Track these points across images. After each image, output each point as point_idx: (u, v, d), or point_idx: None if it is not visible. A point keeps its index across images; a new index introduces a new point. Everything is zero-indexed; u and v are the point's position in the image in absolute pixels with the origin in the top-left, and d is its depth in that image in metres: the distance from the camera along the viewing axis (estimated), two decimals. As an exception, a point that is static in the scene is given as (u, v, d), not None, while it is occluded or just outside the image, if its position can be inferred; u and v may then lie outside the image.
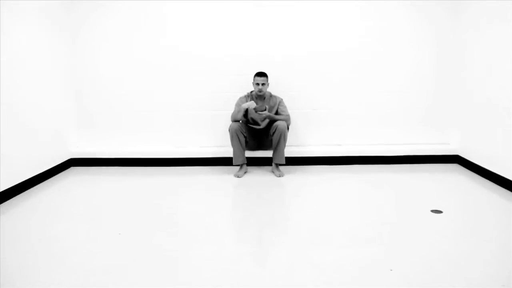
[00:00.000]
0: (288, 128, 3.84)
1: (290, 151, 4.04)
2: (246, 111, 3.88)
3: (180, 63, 4.28)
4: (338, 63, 4.26)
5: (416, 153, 4.23)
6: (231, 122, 3.86)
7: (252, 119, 3.98)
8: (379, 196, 3.29)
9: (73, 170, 4.25)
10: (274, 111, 3.93)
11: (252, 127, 4.01)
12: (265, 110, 3.73)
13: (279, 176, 3.81)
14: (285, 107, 3.96)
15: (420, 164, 4.21)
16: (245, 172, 3.92)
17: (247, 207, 3.09)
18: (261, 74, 3.83)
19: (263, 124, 4.00)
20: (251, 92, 4.01)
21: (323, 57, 4.24)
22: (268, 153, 4.06)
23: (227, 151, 4.05)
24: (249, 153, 4.05)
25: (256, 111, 3.74)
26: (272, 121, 3.85)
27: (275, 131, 3.74)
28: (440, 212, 2.89)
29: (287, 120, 3.88)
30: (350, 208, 3.03)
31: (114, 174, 4.04)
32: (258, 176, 3.86)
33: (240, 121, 3.90)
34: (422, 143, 4.36)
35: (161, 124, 4.38)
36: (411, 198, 3.22)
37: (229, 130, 3.80)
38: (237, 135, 3.75)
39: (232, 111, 3.92)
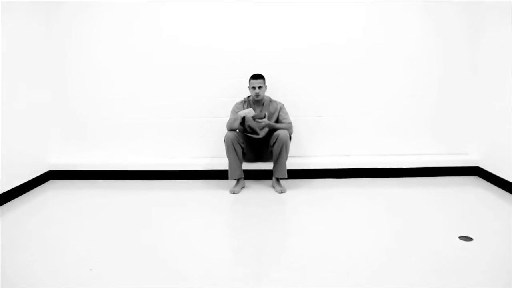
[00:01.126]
0: (290, 138, 3.41)
1: (292, 162, 3.61)
2: (243, 119, 3.46)
3: (171, 65, 3.86)
4: (344, 67, 3.84)
5: (432, 164, 3.81)
6: (226, 131, 3.44)
7: (250, 127, 3.56)
8: (394, 217, 2.86)
9: (51, 184, 3.82)
10: (274, 118, 3.52)
11: (250, 137, 3.58)
12: (264, 117, 3.31)
13: (281, 192, 3.38)
14: (286, 114, 3.54)
15: (436, 177, 3.79)
16: (242, 188, 3.49)
17: (243, 233, 2.66)
18: (256, 77, 3.41)
19: (262, 133, 3.57)
20: (248, 97, 3.59)
21: (328, 60, 3.82)
22: (268, 165, 3.63)
23: (222, 163, 3.63)
24: (246, 165, 3.63)
25: (254, 119, 3.32)
26: (272, 130, 3.43)
27: (275, 141, 3.32)
28: (470, 239, 2.46)
29: (289, 128, 3.46)
30: (361, 232, 2.60)
31: (96, 189, 3.61)
32: (257, 192, 3.43)
33: (237, 130, 3.48)
34: (438, 153, 3.94)
35: (149, 132, 3.96)
36: (431, 220, 2.78)
37: (224, 140, 3.37)
38: (233, 145, 3.33)
39: (227, 119, 3.49)
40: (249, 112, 3.29)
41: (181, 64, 3.85)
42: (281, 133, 3.31)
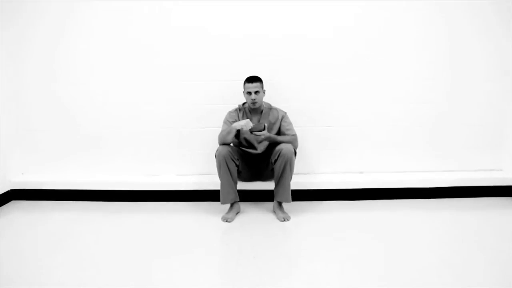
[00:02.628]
0: (295, 154, 2.82)
1: (296, 181, 3.00)
2: (238, 130, 2.87)
3: (152, 68, 3.28)
4: (357, 69, 3.26)
5: (459, 183, 3.21)
6: (218, 145, 2.85)
7: (246, 140, 2.97)
8: (423, 251, 2.27)
9: (13, 205, 3.22)
10: (275, 129, 2.93)
11: (247, 152, 2.99)
12: (263, 129, 2.73)
13: (283, 220, 2.78)
14: (290, 124, 2.95)
15: (464, 198, 3.20)
16: (237, 213, 2.90)
17: (235, 281, 2.06)
18: (252, 80, 2.84)
19: (261, 148, 2.99)
20: (243, 104, 3.01)
21: (338, 60, 3.24)
22: (268, 184, 3.04)
23: (213, 182, 3.02)
24: (242, 185, 3.04)
25: (252, 132, 2.73)
26: (274, 144, 2.84)
27: (277, 157, 2.73)
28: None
29: (294, 142, 2.87)
30: (383, 274, 2.01)
31: (64, 213, 3.00)
32: (255, 220, 2.83)
33: (231, 144, 2.89)
34: (466, 169, 3.36)
35: (127, 146, 3.36)
36: (468, 258, 2.20)
37: (216, 156, 2.78)
38: (226, 163, 2.73)
39: (220, 131, 2.90)
40: (245, 124, 2.70)
41: (164, 65, 3.27)
42: (284, 148, 2.72)
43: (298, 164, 3.09)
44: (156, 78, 3.28)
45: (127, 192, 3.22)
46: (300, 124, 3.20)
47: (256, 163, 3.00)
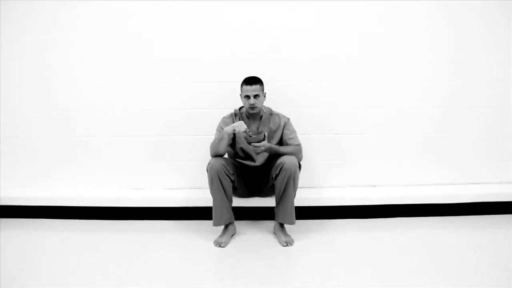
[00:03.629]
0: (299, 167, 2.43)
1: (301, 197, 2.59)
2: (234, 139, 2.49)
3: (135, 64, 2.89)
4: (369, 69, 2.87)
5: (484, 199, 2.81)
6: (210, 157, 2.45)
7: (242, 150, 2.58)
8: (454, 279, 1.88)
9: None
10: (276, 138, 2.54)
11: (243, 164, 2.60)
12: (263, 139, 2.33)
13: (286, 245, 2.37)
14: (293, 132, 2.56)
15: (490, 215, 2.81)
16: (232, 235, 2.50)
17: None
18: (251, 81, 2.45)
19: (260, 159, 2.59)
20: (240, 109, 2.62)
21: (349, 60, 2.86)
22: (269, 201, 2.65)
23: (205, 197, 2.58)
24: (239, 201, 2.64)
25: (248, 141, 2.34)
26: (275, 156, 2.45)
27: (279, 172, 2.33)
28: None
29: (298, 153, 2.48)
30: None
31: (32, 232, 2.60)
32: (253, 243, 2.43)
33: (225, 155, 2.50)
34: (491, 182, 2.97)
35: (108, 155, 2.96)
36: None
37: (207, 170, 2.38)
38: (219, 179, 2.34)
39: (212, 140, 2.50)
40: (238, 125, 2.31)
41: (147, 64, 2.88)
42: (286, 161, 2.32)
43: (303, 177, 2.68)
44: (139, 79, 2.89)
45: (107, 210, 2.81)
46: (304, 131, 2.80)
47: (254, 177, 2.60)
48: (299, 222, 2.54)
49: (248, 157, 2.59)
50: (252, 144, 2.32)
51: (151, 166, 2.96)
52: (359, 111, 2.90)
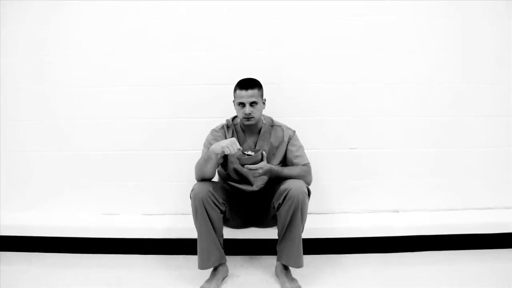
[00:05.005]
0: (309, 194, 1.91)
1: (310, 227, 2.01)
2: (226, 157, 1.98)
3: (109, 65, 2.38)
4: (391, 69, 2.36)
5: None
6: (195, 180, 1.93)
7: (236, 171, 2.06)
8: None
9: None
10: (279, 157, 2.03)
11: (238, 189, 2.08)
12: (261, 159, 1.83)
13: (291, 293, 1.87)
14: (300, 148, 2.04)
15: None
16: (223, 279, 1.98)
17: None
18: (247, 85, 1.94)
19: (258, 183, 2.07)
20: (233, 119, 2.11)
21: (366, 58, 2.35)
22: (269, 232, 2.12)
23: (190, 226, 2.02)
24: (231, 232, 2.13)
25: (242, 163, 1.83)
26: (277, 179, 1.94)
27: (283, 201, 1.82)
28: None
29: (306, 176, 1.96)
30: None
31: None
32: (249, 289, 1.93)
33: (216, 177, 1.99)
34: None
35: (75, 172, 2.45)
36: None
37: (190, 197, 1.87)
38: (205, 210, 1.82)
39: (198, 157, 1.98)
40: (229, 145, 1.78)
41: (120, 72, 2.38)
42: (292, 186, 1.80)
43: (311, 201, 2.13)
44: (108, 82, 2.37)
45: (73, 240, 2.29)
46: (313, 144, 2.31)
47: (251, 205, 2.08)
48: (307, 257, 1.99)
49: (244, 179, 2.07)
50: (246, 166, 1.81)
51: (127, 186, 2.44)
52: (378, 123, 2.38)
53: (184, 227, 2.22)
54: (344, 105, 2.37)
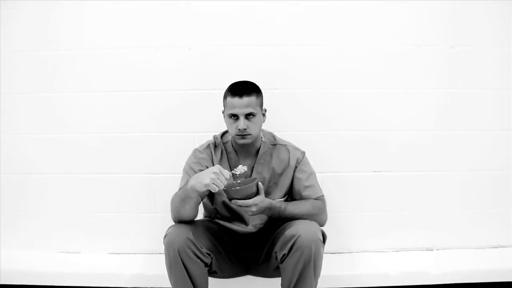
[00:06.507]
0: (324, 240, 1.40)
1: (322, 273, 1.50)
2: (212, 196, 1.49)
3: (73, 69, 1.88)
4: (432, 68, 1.86)
5: None
6: (172, 221, 1.43)
7: (227, 207, 1.54)
8: None
9: None
10: (283, 187, 1.54)
11: (229, 230, 1.57)
12: (256, 191, 1.34)
13: None
14: (312, 175, 1.54)
15: None
16: None
17: None
18: (241, 91, 1.44)
19: (255, 222, 1.56)
20: (222, 136, 1.61)
21: (399, 56, 1.85)
22: (269, 282, 1.62)
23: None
24: (220, 283, 1.62)
25: (230, 197, 1.34)
26: (280, 219, 1.44)
27: (290, 251, 1.31)
28: None
29: (320, 213, 1.47)
30: None
31: None
32: None
33: (200, 213, 1.48)
34: None
35: (28, 199, 1.95)
36: None
37: (164, 243, 1.37)
38: (182, 263, 1.31)
39: (177, 186, 1.48)
40: (214, 179, 1.24)
41: (87, 76, 1.88)
42: (302, 232, 1.30)
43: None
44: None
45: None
46: (327, 166, 1.81)
47: (246, 251, 1.57)
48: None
49: (237, 216, 1.56)
50: (235, 202, 1.32)
51: (91, 218, 1.94)
52: (414, 136, 1.88)
53: (161, 273, 1.71)
54: (366, 115, 1.86)
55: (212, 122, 1.72)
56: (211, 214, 1.60)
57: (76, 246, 1.95)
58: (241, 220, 1.55)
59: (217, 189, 1.26)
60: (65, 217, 1.94)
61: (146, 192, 1.89)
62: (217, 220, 1.58)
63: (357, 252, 1.92)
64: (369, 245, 1.92)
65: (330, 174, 1.83)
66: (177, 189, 1.45)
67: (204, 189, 1.27)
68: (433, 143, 1.89)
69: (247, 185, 1.34)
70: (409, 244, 1.93)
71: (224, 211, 1.55)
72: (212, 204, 1.56)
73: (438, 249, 1.93)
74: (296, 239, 1.30)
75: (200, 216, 1.64)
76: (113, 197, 1.91)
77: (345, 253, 1.92)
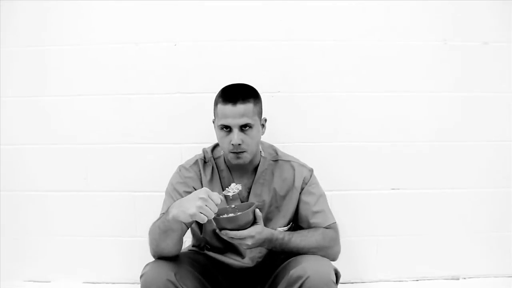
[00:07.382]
0: (337, 280, 1.14)
1: None
2: (200, 226, 1.23)
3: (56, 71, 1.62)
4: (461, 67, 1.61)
5: None
6: (152, 256, 1.16)
7: (216, 235, 1.23)
8: None
9: None
10: (287, 214, 1.28)
11: (222, 263, 1.30)
12: (252, 219, 1.09)
13: None
14: (321, 198, 1.28)
15: None
16: None
17: None
18: (235, 96, 1.17)
19: (252, 254, 1.29)
20: (213, 149, 1.34)
21: (424, 52, 1.60)
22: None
23: None
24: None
25: (220, 227, 1.08)
26: (283, 252, 1.17)
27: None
28: None
29: (332, 245, 1.21)
30: None
31: None
32: None
33: (187, 243, 1.23)
34: None
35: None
36: None
37: (140, 284, 1.11)
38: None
39: (158, 212, 1.22)
40: (201, 206, 0.96)
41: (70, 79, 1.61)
42: (311, 271, 1.04)
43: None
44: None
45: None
46: (336, 184, 1.56)
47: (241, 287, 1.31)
48: None
49: (230, 247, 1.29)
50: (226, 233, 1.07)
51: (63, 242, 1.68)
52: (438, 147, 1.63)
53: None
54: (383, 123, 1.60)
55: (202, 132, 1.49)
56: (200, 243, 1.34)
57: (45, 275, 1.69)
58: (236, 251, 1.29)
59: (206, 220, 1.00)
60: (32, 241, 1.68)
61: (125, 212, 1.63)
62: (206, 252, 1.31)
63: (370, 282, 1.67)
64: (385, 274, 1.67)
65: (338, 192, 1.57)
66: (157, 215, 1.19)
67: (190, 219, 1.00)
68: (455, 158, 1.63)
69: (241, 213, 1.08)
70: (432, 272, 1.68)
71: (214, 242, 1.28)
72: (201, 233, 1.30)
73: (465, 278, 1.68)
74: (304, 281, 1.05)
75: (189, 242, 1.39)
76: (87, 218, 1.65)
77: (358, 283, 1.66)
